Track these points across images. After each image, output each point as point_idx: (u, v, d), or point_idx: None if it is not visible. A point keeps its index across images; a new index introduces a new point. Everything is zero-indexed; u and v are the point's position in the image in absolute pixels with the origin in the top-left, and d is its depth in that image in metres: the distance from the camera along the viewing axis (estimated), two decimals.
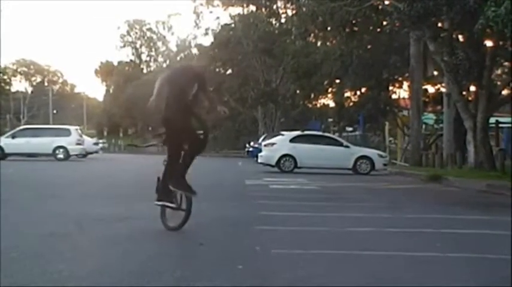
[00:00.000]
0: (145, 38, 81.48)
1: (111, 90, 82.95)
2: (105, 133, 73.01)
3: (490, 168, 20.38)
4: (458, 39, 21.87)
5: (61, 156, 30.46)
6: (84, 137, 34.96)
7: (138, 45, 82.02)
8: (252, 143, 38.70)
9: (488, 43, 20.82)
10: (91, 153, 35.81)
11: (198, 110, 7.50)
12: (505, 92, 23.26)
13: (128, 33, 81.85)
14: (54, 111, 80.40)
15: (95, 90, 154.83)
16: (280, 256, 6.15)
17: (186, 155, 7.52)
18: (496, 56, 21.82)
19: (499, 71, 26.79)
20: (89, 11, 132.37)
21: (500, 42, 20.34)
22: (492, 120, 24.79)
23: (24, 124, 57.31)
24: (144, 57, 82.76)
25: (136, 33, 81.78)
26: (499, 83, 23.96)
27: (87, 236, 7.29)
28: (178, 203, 7.46)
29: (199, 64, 7.84)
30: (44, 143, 30.33)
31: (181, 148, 7.48)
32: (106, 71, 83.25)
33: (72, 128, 32.89)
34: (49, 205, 10.40)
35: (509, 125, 33.05)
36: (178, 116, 7.33)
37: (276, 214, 9.63)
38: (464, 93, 22.57)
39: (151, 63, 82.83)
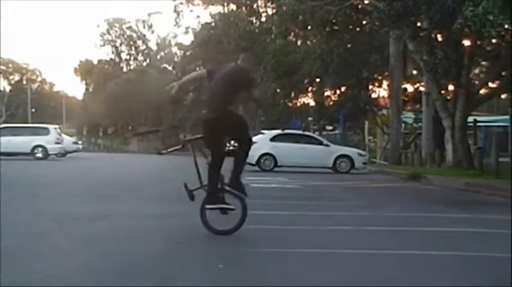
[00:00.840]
0: (125, 36, 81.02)
1: (90, 89, 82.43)
2: (85, 132, 72.54)
3: (468, 166, 20.58)
4: (437, 38, 22.05)
5: (40, 155, 30.20)
6: (64, 136, 34.70)
7: (118, 44, 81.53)
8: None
9: (467, 42, 21.02)
10: (70, 152, 35.57)
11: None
12: (483, 91, 23.50)
13: (108, 31, 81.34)
14: (33, 110, 79.62)
15: (75, 89, 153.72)
16: (261, 255, 6.17)
17: (239, 155, 7.46)
18: (474, 55, 22.03)
19: (477, 70, 27.06)
20: (68, 10, 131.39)
21: (478, 42, 20.54)
22: (470, 119, 25.03)
23: (3, 123, 56.70)
24: (124, 55, 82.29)
25: (116, 31, 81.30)
26: (477, 82, 24.19)
27: (68, 235, 7.25)
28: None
29: (244, 65, 7.68)
30: (22, 142, 30.03)
31: (224, 149, 7.40)
32: (85, 69, 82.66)
33: (51, 127, 32.59)
34: (30, 204, 10.31)
35: (487, 124, 33.42)
36: (230, 116, 7.29)
37: (256, 213, 9.60)
38: (443, 92, 22.76)
39: (131, 62, 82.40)
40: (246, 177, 19.02)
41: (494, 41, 20.05)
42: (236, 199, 7.33)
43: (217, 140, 7.37)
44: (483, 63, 26.15)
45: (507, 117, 27.33)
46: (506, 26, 15.35)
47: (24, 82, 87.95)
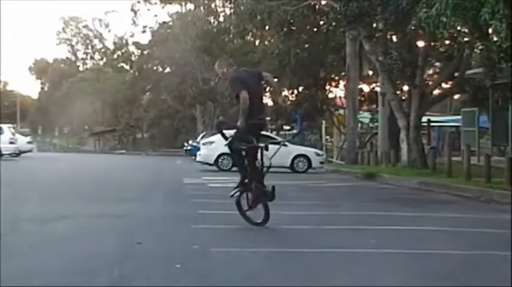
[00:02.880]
0: (82, 35, 79.91)
1: (46, 88, 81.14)
2: (40, 131, 71.37)
3: (422, 166, 20.94)
4: (392, 39, 22.38)
5: None
6: (18, 135, 34.06)
7: (74, 43, 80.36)
8: (190, 142, 38.56)
9: (421, 44, 21.39)
10: (25, 152, 34.92)
11: None
12: (436, 91, 23.94)
13: (64, 30, 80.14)
14: None
15: (29, 87, 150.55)
16: (218, 254, 6.20)
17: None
18: (428, 56, 22.44)
19: (430, 71, 27.54)
20: (22, 7, 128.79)
21: (432, 43, 20.93)
22: (424, 119, 25.47)
23: None
24: (80, 54, 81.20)
25: (72, 30, 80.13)
26: (430, 82, 24.63)
27: (23, 237, 7.16)
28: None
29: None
30: None
31: None
32: (41, 68, 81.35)
33: (4, 126, 31.96)
34: None
35: (440, 124, 34.10)
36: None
37: (214, 213, 9.67)
38: (398, 92, 23.11)
39: (87, 61, 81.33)
40: (203, 177, 19.15)
41: (447, 42, 20.44)
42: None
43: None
44: (436, 64, 26.63)
45: (459, 117, 27.95)
46: (458, 28, 15.72)
47: None
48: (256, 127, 8.04)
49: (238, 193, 8.06)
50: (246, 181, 7.98)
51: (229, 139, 7.97)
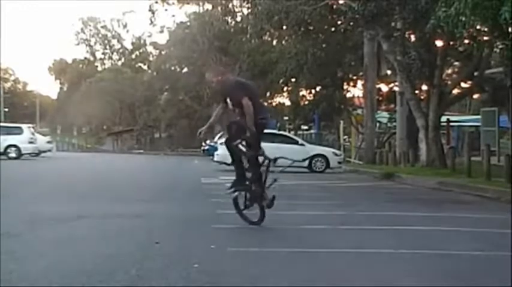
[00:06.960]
0: (100, 35, 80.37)
1: (65, 88, 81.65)
2: (59, 131, 71.82)
3: (441, 166, 20.80)
4: (410, 39, 22.25)
5: (13, 155, 29.86)
6: (37, 135, 34.35)
7: (92, 43, 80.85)
8: (208, 142, 38.62)
9: (439, 43, 21.24)
10: (44, 151, 35.21)
11: None
12: (455, 91, 23.77)
13: (82, 30, 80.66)
14: (6, 110, 78.66)
15: (48, 88, 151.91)
16: (235, 254, 6.20)
17: None
18: (447, 55, 22.28)
19: (449, 71, 27.34)
20: (42, 8, 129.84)
21: (451, 42, 20.78)
22: (443, 119, 25.29)
23: None
24: (98, 55, 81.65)
25: (90, 30, 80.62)
26: (449, 82, 24.46)
27: (41, 236, 7.20)
28: None
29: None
30: None
31: None
32: (60, 68, 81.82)
33: (24, 126, 32.26)
34: (1, 204, 10.20)
35: (459, 123, 33.84)
36: None
37: (231, 212, 9.64)
38: (416, 92, 22.97)
39: (106, 61, 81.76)
40: (221, 176, 19.17)
41: (466, 41, 20.29)
42: None
43: None
44: (455, 63, 26.44)
45: (479, 117, 27.72)
46: (477, 27, 15.57)
47: None
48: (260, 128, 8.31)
49: (236, 192, 8.12)
50: (246, 181, 8.14)
51: (227, 138, 8.14)
